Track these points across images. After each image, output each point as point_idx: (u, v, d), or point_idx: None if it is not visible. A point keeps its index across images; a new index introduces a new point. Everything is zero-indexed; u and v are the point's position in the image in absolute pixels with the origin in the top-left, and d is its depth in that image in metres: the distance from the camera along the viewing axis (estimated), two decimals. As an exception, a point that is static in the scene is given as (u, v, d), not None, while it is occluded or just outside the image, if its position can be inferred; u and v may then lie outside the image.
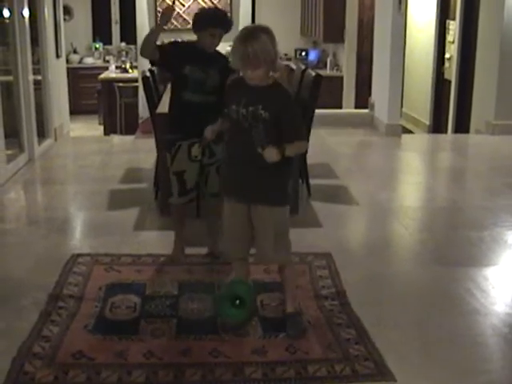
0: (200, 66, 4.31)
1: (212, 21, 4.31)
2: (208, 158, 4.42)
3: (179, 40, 4.90)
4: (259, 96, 3.34)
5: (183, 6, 10.11)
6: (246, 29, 3.34)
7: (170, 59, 4.40)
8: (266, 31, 3.28)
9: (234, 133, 3.46)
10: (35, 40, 8.06)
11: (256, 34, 3.24)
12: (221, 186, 3.71)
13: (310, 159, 6.03)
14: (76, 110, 11.80)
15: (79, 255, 4.72)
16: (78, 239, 5.31)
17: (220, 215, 4.67)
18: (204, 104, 4.31)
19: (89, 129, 11.88)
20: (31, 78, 7.78)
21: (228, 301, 3.47)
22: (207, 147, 4.37)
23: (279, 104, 3.36)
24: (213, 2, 10.05)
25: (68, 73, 10.33)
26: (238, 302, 3.46)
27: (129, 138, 9.69)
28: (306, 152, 5.38)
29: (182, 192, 4.47)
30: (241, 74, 3.44)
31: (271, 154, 3.27)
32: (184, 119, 4.39)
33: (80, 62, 13.62)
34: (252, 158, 3.36)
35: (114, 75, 11.79)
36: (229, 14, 4.54)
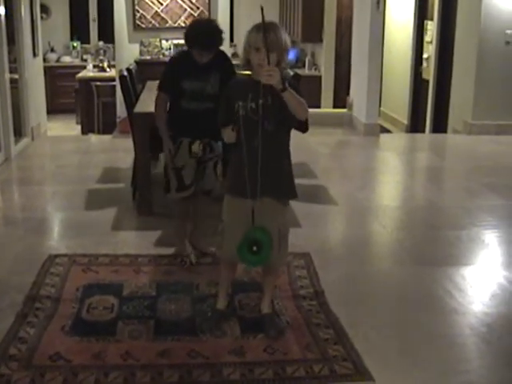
0: (198, 76, 4.33)
1: (199, 43, 4.27)
2: (208, 153, 4.50)
3: (172, 58, 4.84)
4: (267, 88, 3.29)
5: (161, 4, 10.07)
6: (261, 22, 3.30)
7: (171, 87, 4.42)
8: (279, 25, 3.42)
9: (242, 128, 3.41)
10: (11, 38, 7.99)
11: (274, 23, 3.37)
12: (229, 183, 3.62)
13: (289, 159, 6.01)
14: (53, 109, 11.72)
15: (56, 256, 4.68)
16: (56, 240, 5.27)
17: (201, 215, 4.68)
18: (202, 111, 4.35)
19: (66, 128, 11.78)
20: (7, 76, 7.70)
21: (245, 247, 3.39)
22: (208, 144, 4.46)
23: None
24: (191, 2, 10.01)
25: (45, 72, 10.26)
26: (255, 248, 3.37)
27: (106, 138, 9.64)
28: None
29: (180, 187, 4.50)
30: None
31: (270, 71, 3.17)
32: (183, 125, 4.42)
33: (57, 60, 13.52)
34: (263, 151, 3.35)
35: (91, 74, 11.72)
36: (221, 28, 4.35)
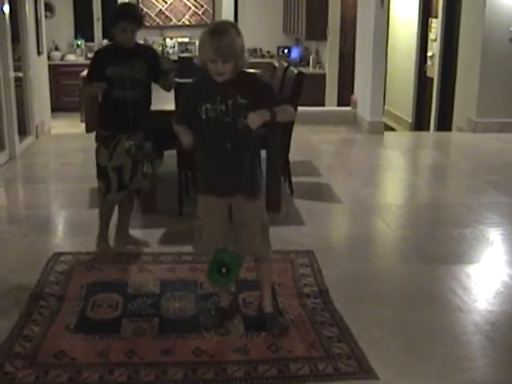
0: (122, 63, 4.39)
1: (119, 16, 4.40)
2: (140, 155, 4.53)
3: (97, 50, 4.94)
4: (233, 88, 3.33)
5: (165, 2, 10.09)
6: (214, 24, 3.38)
7: (96, 75, 4.47)
8: (233, 26, 3.35)
9: (212, 130, 3.43)
10: (16, 37, 8.00)
11: (226, 28, 3.28)
12: (202, 184, 3.64)
13: (293, 157, 6.02)
14: (58, 108, 11.74)
15: (61, 254, 4.69)
16: (60, 238, 5.28)
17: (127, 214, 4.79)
18: (133, 100, 4.40)
19: (70, 126, 11.79)
20: (12, 74, 7.72)
21: (215, 271, 3.42)
22: (139, 145, 4.49)
23: (254, 87, 3.40)
24: (196, 0, 10.03)
25: (50, 70, 10.27)
26: (224, 270, 3.41)
27: (111, 136, 9.63)
28: (289, 150, 5.38)
29: (121, 187, 4.52)
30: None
31: (253, 119, 3.26)
32: (114, 116, 4.44)
33: (62, 59, 13.53)
34: (236, 150, 3.37)
35: (95, 72, 11.72)
36: (141, 8, 4.54)
